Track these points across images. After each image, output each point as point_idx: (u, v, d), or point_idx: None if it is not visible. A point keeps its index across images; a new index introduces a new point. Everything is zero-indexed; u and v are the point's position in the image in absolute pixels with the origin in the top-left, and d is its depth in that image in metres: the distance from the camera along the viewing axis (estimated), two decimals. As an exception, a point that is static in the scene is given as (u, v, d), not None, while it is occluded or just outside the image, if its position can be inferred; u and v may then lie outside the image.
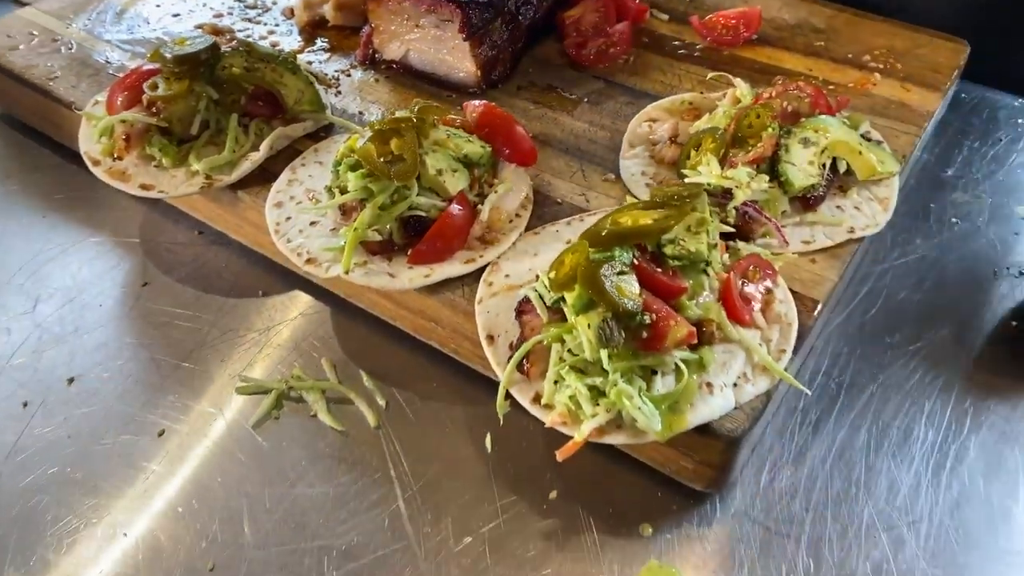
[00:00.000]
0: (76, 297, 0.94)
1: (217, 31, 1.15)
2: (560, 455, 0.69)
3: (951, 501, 0.76)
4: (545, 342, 0.71)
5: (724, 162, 0.88)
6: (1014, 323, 0.92)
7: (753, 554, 0.73)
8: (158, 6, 1.21)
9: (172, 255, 0.99)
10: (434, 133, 0.84)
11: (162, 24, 1.18)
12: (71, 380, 0.86)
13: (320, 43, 1.14)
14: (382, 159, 0.79)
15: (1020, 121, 1.18)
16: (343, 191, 0.82)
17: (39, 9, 1.20)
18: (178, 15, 1.20)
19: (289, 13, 1.19)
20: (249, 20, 1.19)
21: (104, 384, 0.85)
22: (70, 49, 1.12)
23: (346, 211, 0.83)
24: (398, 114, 0.84)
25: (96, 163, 0.94)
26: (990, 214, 1.04)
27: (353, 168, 0.81)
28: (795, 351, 0.75)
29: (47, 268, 0.97)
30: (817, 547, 0.73)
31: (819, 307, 0.80)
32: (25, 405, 0.84)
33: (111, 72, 1.09)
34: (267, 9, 1.21)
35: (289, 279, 0.95)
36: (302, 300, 0.93)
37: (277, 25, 1.18)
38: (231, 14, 1.20)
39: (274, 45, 1.13)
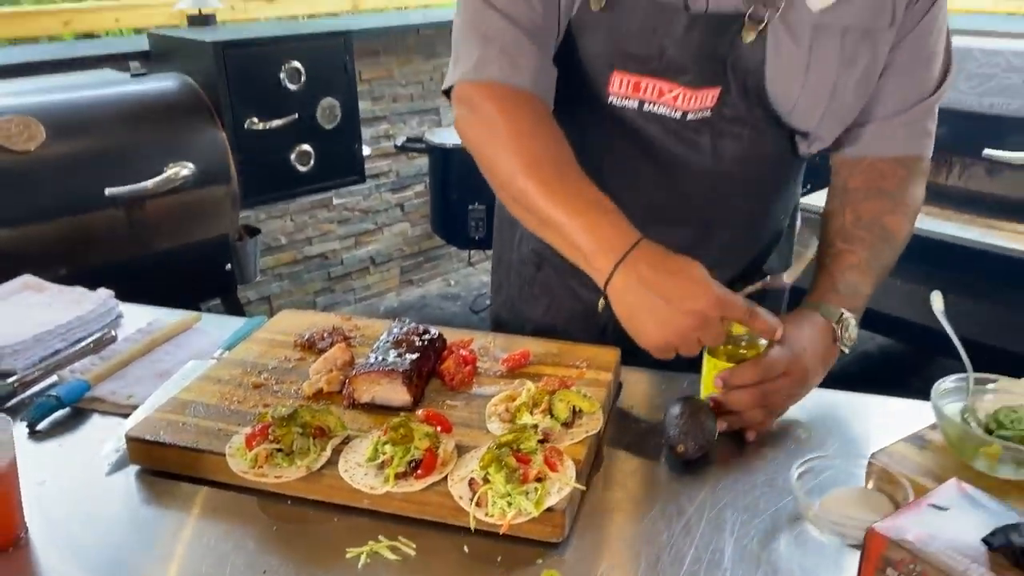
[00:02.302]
0: (231, 552, 1.88)
1: (266, 404, 2.23)
2: (501, 530, 1.77)
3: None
4: (485, 491, 1.82)
5: (532, 414, 2.09)
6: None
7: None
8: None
9: (276, 513, 1.97)
10: (411, 425, 1.98)
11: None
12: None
13: (322, 402, 2.26)
14: (400, 438, 1.91)
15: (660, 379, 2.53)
16: (384, 455, 1.91)
17: (159, 412, 2.20)
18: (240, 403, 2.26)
19: (296, 391, 2.31)
20: (275, 397, 2.28)
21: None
22: (193, 427, 2.13)
23: (382, 464, 1.92)
24: (395, 421, 1.97)
25: (246, 473, 1.95)
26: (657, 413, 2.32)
27: (384, 444, 1.92)
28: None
29: (210, 541, 1.91)
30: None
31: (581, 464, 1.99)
32: (248, 586, 1.75)
33: (221, 432, 2.11)
34: (281, 393, 2.32)
35: (344, 509, 1.96)
36: (353, 518, 1.94)
37: (296, 396, 2.28)
38: (264, 398, 2.29)
39: (299, 406, 2.22)
